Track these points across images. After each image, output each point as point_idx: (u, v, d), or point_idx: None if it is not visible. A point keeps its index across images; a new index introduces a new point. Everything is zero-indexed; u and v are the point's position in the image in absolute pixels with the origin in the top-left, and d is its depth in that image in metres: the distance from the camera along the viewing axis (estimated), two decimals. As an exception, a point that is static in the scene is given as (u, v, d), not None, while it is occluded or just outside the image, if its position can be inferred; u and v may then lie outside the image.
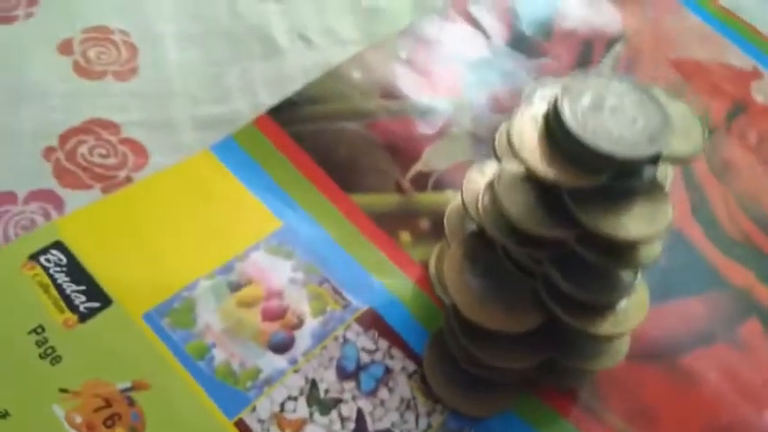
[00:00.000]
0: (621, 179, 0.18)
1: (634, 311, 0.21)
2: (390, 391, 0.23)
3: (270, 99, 0.31)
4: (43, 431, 0.20)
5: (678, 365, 0.26)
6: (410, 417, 0.23)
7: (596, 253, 0.19)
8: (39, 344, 0.21)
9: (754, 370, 0.26)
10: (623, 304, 0.21)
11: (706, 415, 0.25)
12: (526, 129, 0.18)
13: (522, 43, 0.35)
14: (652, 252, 0.19)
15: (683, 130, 0.19)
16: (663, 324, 0.27)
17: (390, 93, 0.31)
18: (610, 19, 0.38)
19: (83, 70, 0.30)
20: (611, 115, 0.18)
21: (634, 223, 0.18)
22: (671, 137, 0.18)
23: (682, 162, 0.19)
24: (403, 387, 0.23)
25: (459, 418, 0.23)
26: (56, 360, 0.21)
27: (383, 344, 0.24)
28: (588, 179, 0.17)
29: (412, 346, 0.24)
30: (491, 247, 0.21)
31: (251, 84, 0.31)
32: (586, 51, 0.36)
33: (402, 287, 0.26)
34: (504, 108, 0.32)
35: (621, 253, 0.19)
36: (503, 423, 0.23)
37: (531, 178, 0.19)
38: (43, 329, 0.21)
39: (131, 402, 0.21)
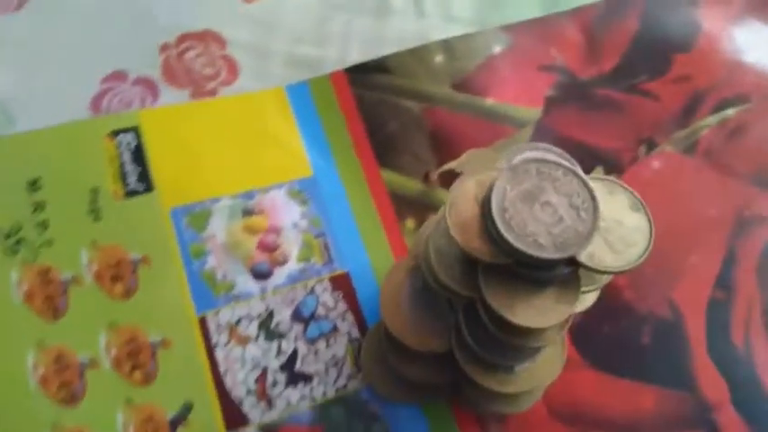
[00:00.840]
0: (531, 269, 0.19)
1: (539, 373, 0.23)
2: (328, 346, 0.27)
3: (358, 56, 0.33)
4: (68, 266, 0.26)
5: (593, 438, 0.27)
6: (333, 373, 0.27)
7: (497, 327, 0.20)
8: (90, 202, 0.28)
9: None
10: (525, 367, 0.22)
11: None
12: (468, 194, 0.20)
13: (627, 75, 0.34)
14: (550, 338, 0.20)
15: (624, 243, 0.19)
16: (606, 397, 0.28)
17: (462, 85, 0.32)
18: (736, 75, 0.34)
19: (218, -17, 0.35)
20: (539, 210, 0.19)
21: (527, 312, 0.19)
22: (586, 248, 0.19)
23: (603, 273, 0.19)
24: (339, 348, 0.27)
25: (371, 394, 0.27)
26: (97, 218, 0.27)
27: (342, 306, 0.28)
28: (493, 257, 0.19)
29: (366, 319, 0.28)
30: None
31: (348, 36, 0.34)
32: (694, 103, 0.34)
33: (383, 266, 0.29)
34: (569, 139, 0.32)
35: (518, 333, 0.20)
36: (406, 412, 0.27)
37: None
38: (98, 192, 0.28)
39: (134, 270, 0.27)
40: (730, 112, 0.34)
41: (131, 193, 0.28)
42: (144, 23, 0.33)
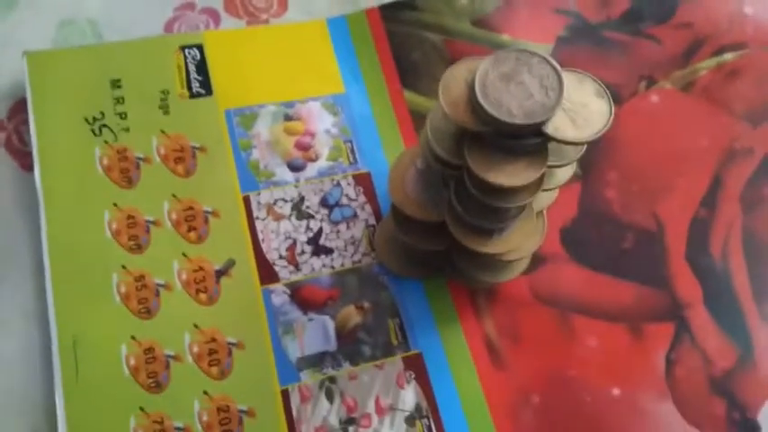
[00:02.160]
0: (505, 138, 0.24)
1: (520, 241, 0.27)
2: (348, 228, 0.32)
3: (391, -4, 0.38)
4: (141, 148, 0.32)
5: (568, 318, 0.31)
6: (351, 249, 0.32)
7: (477, 189, 0.25)
8: (161, 99, 0.33)
9: (629, 359, 0.31)
10: (505, 233, 0.27)
11: (553, 364, 0.30)
12: (459, 77, 0.24)
13: (634, 19, 0.38)
14: (523, 198, 0.25)
15: (586, 122, 0.24)
16: (585, 287, 0.32)
17: (481, 22, 0.37)
18: (735, 25, 0.37)
19: (276, -68, 0.40)
20: (514, 87, 0.23)
21: (502, 173, 0.24)
22: (553, 119, 0.23)
23: (566, 143, 0.24)
24: (357, 230, 0.32)
25: (381, 268, 0.32)
26: (166, 112, 0.33)
27: (362, 198, 0.33)
28: (474, 125, 0.23)
29: (381, 210, 0.33)
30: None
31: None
32: (694, 47, 0.37)
33: (399, 168, 0.33)
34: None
35: (496, 193, 0.25)
36: (409, 285, 0.31)
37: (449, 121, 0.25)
38: (167, 93, 0.34)
39: (194, 155, 0.33)
40: (728, 56, 0.37)
41: (194, 96, 0.34)
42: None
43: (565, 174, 0.26)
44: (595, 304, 0.32)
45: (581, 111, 0.24)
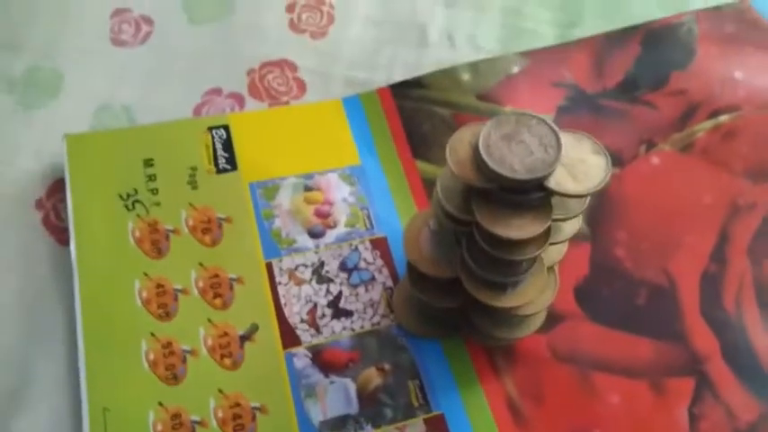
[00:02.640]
0: (510, 193, 0.25)
1: (533, 295, 0.28)
2: (367, 291, 0.34)
3: (400, 77, 0.41)
4: (171, 221, 0.34)
5: (590, 377, 0.31)
6: (370, 312, 0.33)
7: (487, 243, 0.26)
8: (189, 176, 0.36)
9: (654, 416, 0.30)
10: (519, 288, 0.28)
11: (577, 424, 0.30)
12: (464, 140, 0.26)
13: (629, 89, 0.40)
14: (532, 252, 0.26)
15: (584, 174, 0.25)
16: (603, 344, 0.32)
17: (485, 96, 0.39)
18: (728, 89, 0.40)
19: (294, 26, 0.44)
20: (515, 146, 0.25)
21: (509, 227, 0.25)
22: (554, 173, 0.24)
23: (567, 196, 0.25)
24: (376, 293, 0.33)
25: (400, 330, 0.32)
26: (194, 187, 0.36)
27: (379, 262, 0.34)
28: (480, 182, 0.25)
29: (398, 273, 0.34)
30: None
31: (394, 63, 0.42)
32: (689, 111, 0.39)
33: (414, 233, 0.35)
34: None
35: (506, 247, 0.26)
36: (428, 346, 0.32)
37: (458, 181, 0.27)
38: (195, 169, 0.36)
39: (220, 226, 0.35)
40: (723, 118, 0.39)
41: (221, 171, 0.36)
42: (235, 55, 0.42)
43: (571, 227, 0.28)
44: (614, 361, 0.32)
45: (580, 166, 0.26)
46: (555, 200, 0.26)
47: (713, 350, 0.32)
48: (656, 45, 0.42)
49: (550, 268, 0.29)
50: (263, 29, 0.44)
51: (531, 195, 0.25)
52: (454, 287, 0.29)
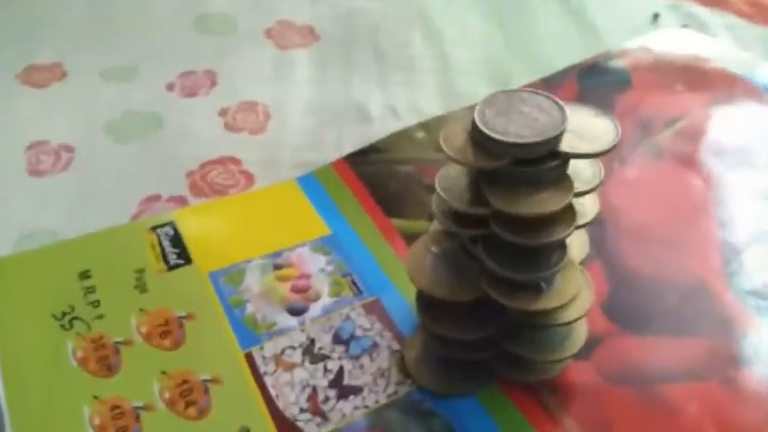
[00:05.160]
0: (523, 166, 0.22)
1: (571, 291, 0.24)
2: (372, 360, 0.28)
3: (352, 149, 0.39)
4: (119, 332, 0.28)
5: (657, 392, 0.26)
6: (381, 383, 0.27)
7: (509, 231, 0.22)
8: (137, 279, 0.30)
9: (742, 412, 0.25)
10: (554, 286, 0.24)
11: None
12: (456, 130, 0.23)
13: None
14: (561, 232, 0.22)
15: (594, 136, 0.23)
16: (653, 354, 0.28)
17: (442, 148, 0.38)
18: (674, 102, 0.40)
19: (229, 126, 0.42)
20: (516, 117, 0.22)
21: (529, 204, 0.22)
22: (565, 135, 0.22)
23: (585, 156, 0.22)
24: (383, 359, 0.28)
25: (423, 393, 0.27)
26: (143, 291, 0.30)
27: (378, 326, 0.29)
28: (488, 162, 0.22)
29: (401, 331, 0.29)
30: (450, 238, 0.26)
31: (340, 141, 0.40)
32: (646, 125, 0.39)
33: (408, 287, 0.30)
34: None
35: (530, 231, 0.22)
36: (462, 404, 0.26)
37: (460, 171, 0.24)
38: (143, 271, 0.31)
39: (181, 325, 0.29)
40: (680, 123, 0.39)
41: (173, 267, 0.31)
42: (170, 162, 0.39)
43: (592, 206, 0.24)
44: (674, 369, 0.27)
45: (586, 129, 0.23)
46: (570, 172, 0.23)
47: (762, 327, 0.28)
48: (593, 78, 0.43)
49: (580, 266, 0.25)
50: (197, 134, 0.41)
51: (547, 164, 0.22)
52: (478, 314, 0.25)
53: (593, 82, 0.42)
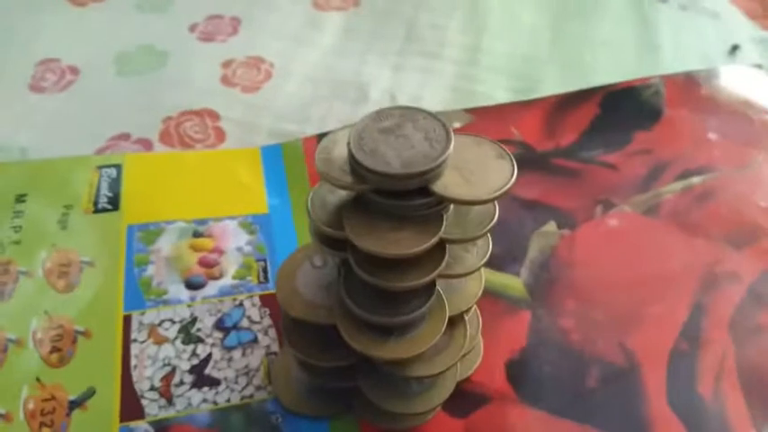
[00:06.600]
0: (388, 198, 0.19)
1: (425, 344, 0.21)
2: (244, 355, 0.27)
3: (334, 128, 0.37)
4: (26, 263, 0.29)
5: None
6: (242, 381, 0.26)
7: (362, 265, 0.20)
8: (62, 214, 0.31)
9: None
10: (411, 334, 0.21)
11: None
12: (339, 141, 0.21)
13: (583, 149, 0.35)
14: (416, 278, 0.20)
15: (481, 179, 0.20)
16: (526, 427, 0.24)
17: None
18: (702, 149, 0.35)
19: (226, 80, 0.41)
20: (394, 140, 0.20)
21: (384, 241, 0.19)
22: (443, 175, 0.19)
23: (458, 202, 0.19)
24: (255, 359, 0.27)
25: (277, 406, 0.25)
26: (63, 227, 0.30)
27: (267, 322, 0.28)
28: (351, 185, 0.19)
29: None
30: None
31: (327, 117, 0.38)
32: (655, 172, 0.34)
33: (315, 290, 0.29)
34: (523, 198, 0.33)
35: (384, 270, 0.20)
36: (312, 428, 0.24)
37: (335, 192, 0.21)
38: (71, 207, 0.31)
39: (81, 270, 0.29)
40: (695, 180, 0.34)
41: (98, 211, 0.31)
42: (155, 105, 0.39)
43: (474, 259, 0.21)
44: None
45: (477, 170, 0.20)
46: (451, 216, 0.20)
47: (688, 451, 0.24)
48: (617, 106, 0.38)
49: (458, 318, 0.23)
50: (192, 81, 0.41)
51: (414, 201, 0.19)
52: (340, 341, 0.23)
53: (618, 109, 0.37)
